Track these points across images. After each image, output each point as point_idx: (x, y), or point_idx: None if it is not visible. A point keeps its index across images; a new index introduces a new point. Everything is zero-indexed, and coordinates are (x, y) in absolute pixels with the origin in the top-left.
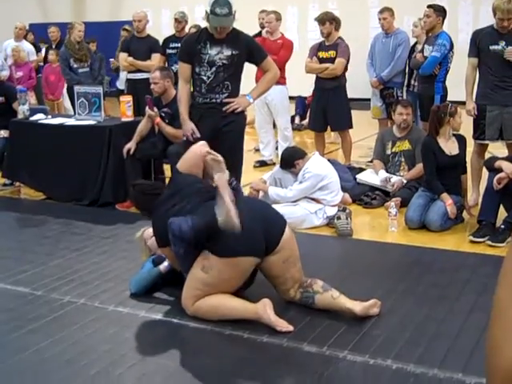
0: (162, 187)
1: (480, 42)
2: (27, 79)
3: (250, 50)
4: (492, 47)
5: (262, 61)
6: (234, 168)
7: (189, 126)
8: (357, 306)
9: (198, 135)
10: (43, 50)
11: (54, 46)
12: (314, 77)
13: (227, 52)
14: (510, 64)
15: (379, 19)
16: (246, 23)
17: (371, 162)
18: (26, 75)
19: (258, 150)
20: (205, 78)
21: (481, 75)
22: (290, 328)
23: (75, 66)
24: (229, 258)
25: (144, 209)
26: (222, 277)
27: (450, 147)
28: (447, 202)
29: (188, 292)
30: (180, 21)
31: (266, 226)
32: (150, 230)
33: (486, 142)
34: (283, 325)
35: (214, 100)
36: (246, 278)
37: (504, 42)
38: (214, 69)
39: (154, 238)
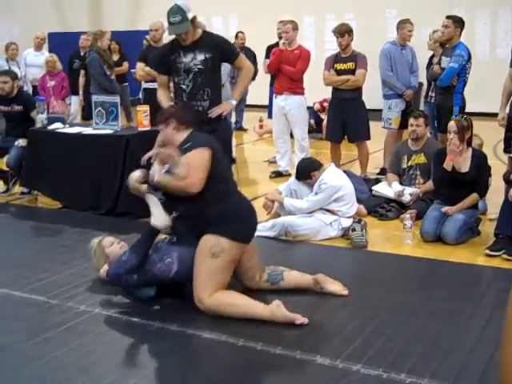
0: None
1: None
2: (59, 89)
3: (222, 49)
4: None
5: (235, 59)
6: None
7: None
8: (322, 280)
9: None
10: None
11: (82, 54)
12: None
13: (200, 57)
14: None
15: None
16: (263, 34)
17: (380, 173)
18: (59, 85)
19: (272, 162)
20: (184, 86)
21: None
22: (306, 320)
23: (108, 73)
24: (238, 242)
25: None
26: (230, 259)
27: (461, 163)
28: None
29: (201, 285)
30: None
31: None
32: (109, 238)
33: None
34: (299, 318)
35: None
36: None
37: None
38: (191, 76)
39: (113, 245)
